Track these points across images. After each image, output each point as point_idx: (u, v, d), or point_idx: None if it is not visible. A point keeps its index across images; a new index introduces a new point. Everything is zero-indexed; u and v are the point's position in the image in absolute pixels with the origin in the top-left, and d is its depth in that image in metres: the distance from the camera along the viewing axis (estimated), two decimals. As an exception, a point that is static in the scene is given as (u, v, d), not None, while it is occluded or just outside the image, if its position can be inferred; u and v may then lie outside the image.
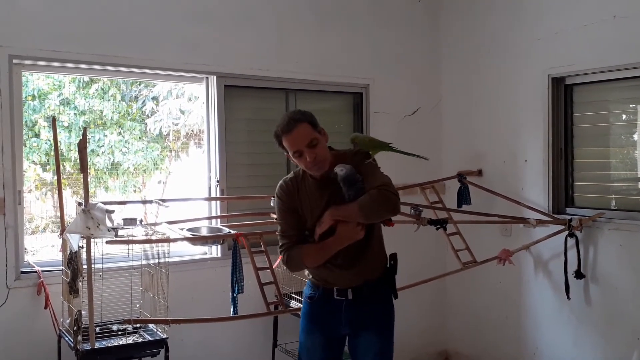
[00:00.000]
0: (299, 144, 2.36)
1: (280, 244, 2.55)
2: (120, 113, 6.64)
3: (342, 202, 2.41)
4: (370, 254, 2.53)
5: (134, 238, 3.25)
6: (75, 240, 2.96)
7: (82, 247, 2.96)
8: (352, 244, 2.44)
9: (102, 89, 6.53)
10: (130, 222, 3.27)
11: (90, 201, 2.98)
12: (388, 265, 2.62)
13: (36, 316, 3.33)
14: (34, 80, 6.08)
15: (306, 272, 2.68)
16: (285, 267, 2.63)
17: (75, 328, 2.95)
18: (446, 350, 4.91)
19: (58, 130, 3.48)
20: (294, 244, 2.50)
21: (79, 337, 2.96)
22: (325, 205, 2.45)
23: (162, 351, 3.20)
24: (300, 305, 2.91)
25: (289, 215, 2.52)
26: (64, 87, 6.37)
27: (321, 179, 2.47)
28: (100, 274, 3.14)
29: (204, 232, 3.57)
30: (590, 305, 3.92)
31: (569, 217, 3.94)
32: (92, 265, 2.96)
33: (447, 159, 4.81)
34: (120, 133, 6.61)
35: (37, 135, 6.09)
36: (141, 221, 3.34)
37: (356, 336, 2.60)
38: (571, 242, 3.91)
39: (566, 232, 3.90)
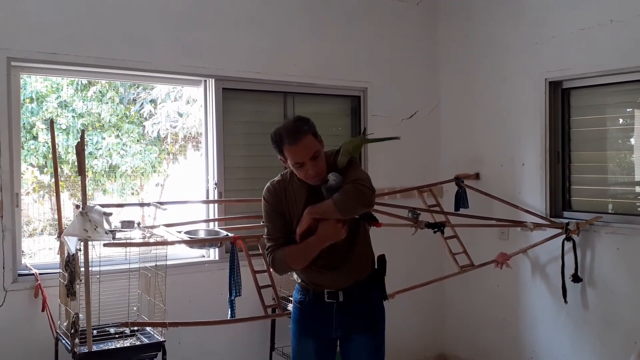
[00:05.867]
0: (303, 156, 2.35)
1: (267, 246, 2.55)
2: (118, 116, 6.65)
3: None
4: (356, 254, 2.52)
5: (132, 241, 3.25)
6: (72, 243, 2.96)
7: (80, 250, 2.96)
8: (338, 244, 2.44)
9: (100, 92, 6.54)
10: (128, 224, 3.27)
11: (87, 204, 2.98)
12: (376, 267, 2.62)
13: (33, 319, 3.32)
14: (32, 83, 6.08)
15: (295, 276, 2.67)
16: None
17: (72, 331, 2.95)
18: (444, 353, 4.91)
19: (56, 133, 3.48)
20: (280, 246, 2.49)
21: (76, 340, 2.96)
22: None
23: (160, 354, 3.20)
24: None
25: (276, 218, 2.51)
26: (62, 90, 6.38)
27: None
28: (98, 276, 3.14)
29: (202, 235, 3.57)
30: (587, 308, 3.93)
31: (566, 220, 3.95)
32: (90, 268, 2.96)
33: (444, 163, 4.81)
34: (118, 136, 6.62)
35: (35, 138, 6.10)
36: (139, 224, 3.34)
37: (348, 339, 2.59)
38: (568, 245, 3.92)
39: (563, 236, 3.91)
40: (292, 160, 2.38)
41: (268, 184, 2.56)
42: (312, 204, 2.42)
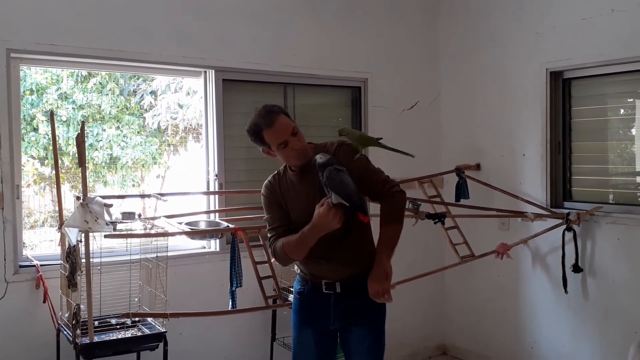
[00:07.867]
0: (284, 134, 2.40)
1: (269, 237, 2.58)
2: (118, 107, 6.64)
3: (322, 191, 2.38)
4: (352, 245, 2.50)
5: (133, 232, 3.26)
6: (73, 235, 2.96)
7: (81, 241, 2.97)
8: (334, 234, 2.39)
9: (100, 83, 6.52)
10: (128, 216, 3.27)
11: (88, 195, 2.98)
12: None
13: (35, 310, 3.33)
14: (32, 75, 6.07)
15: (295, 267, 2.68)
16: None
17: (73, 322, 2.96)
18: (444, 344, 4.92)
19: (56, 125, 3.48)
20: (280, 236, 2.52)
21: (78, 331, 2.97)
22: (306, 195, 2.46)
23: (161, 345, 3.20)
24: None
25: (273, 209, 2.56)
26: (62, 82, 6.36)
27: (300, 170, 2.50)
28: (99, 268, 3.15)
29: (203, 226, 3.57)
30: (587, 299, 3.93)
31: (566, 211, 3.95)
32: (91, 259, 2.96)
33: (445, 153, 4.81)
34: (118, 127, 6.61)
35: (36, 130, 6.09)
36: (140, 215, 3.34)
37: (347, 331, 2.59)
38: (569, 236, 3.92)
39: (564, 226, 3.91)
40: (275, 143, 2.42)
41: (265, 181, 2.63)
42: (304, 188, 2.46)
